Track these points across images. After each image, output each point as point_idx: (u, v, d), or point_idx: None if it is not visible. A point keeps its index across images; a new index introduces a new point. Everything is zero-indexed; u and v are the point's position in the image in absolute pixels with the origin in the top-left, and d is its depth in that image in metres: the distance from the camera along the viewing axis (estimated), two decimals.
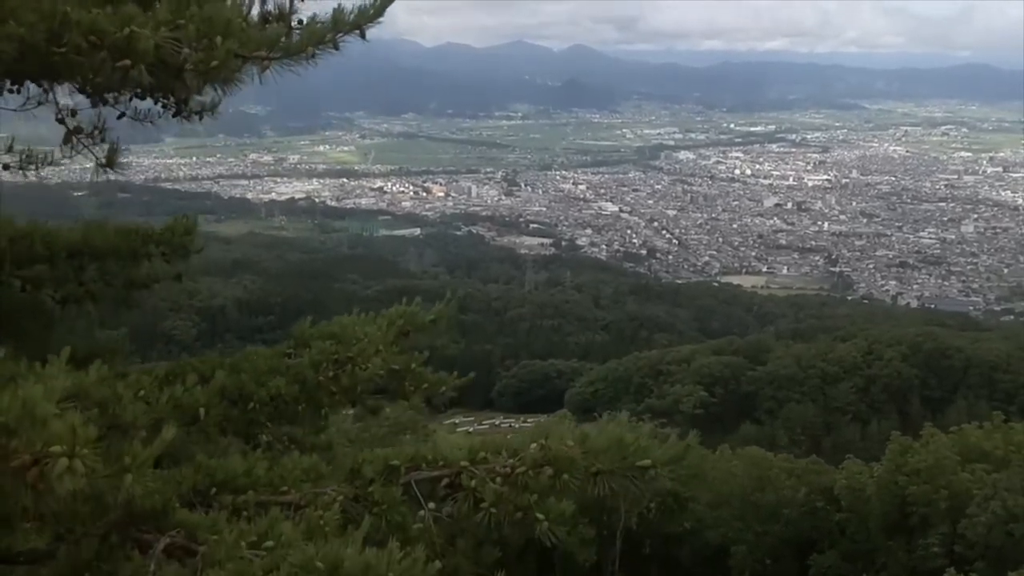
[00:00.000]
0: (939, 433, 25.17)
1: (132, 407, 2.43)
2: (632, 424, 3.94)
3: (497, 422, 69.63)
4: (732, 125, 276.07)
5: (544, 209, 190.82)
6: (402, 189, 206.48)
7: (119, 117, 4.68)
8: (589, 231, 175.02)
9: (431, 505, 3.78)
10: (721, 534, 26.99)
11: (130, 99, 4.82)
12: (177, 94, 4.61)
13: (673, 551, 27.54)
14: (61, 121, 5.03)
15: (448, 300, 5.15)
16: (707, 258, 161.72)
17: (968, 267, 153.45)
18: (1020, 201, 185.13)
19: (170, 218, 5.62)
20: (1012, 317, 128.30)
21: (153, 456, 2.61)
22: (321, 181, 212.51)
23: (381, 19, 4.10)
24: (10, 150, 5.07)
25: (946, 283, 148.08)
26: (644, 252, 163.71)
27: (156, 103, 4.68)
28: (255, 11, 4.11)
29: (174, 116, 4.83)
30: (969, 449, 24.72)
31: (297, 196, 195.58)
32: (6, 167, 5.02)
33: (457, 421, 67.01)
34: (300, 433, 4.34)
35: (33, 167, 5.03)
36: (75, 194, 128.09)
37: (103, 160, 5.03)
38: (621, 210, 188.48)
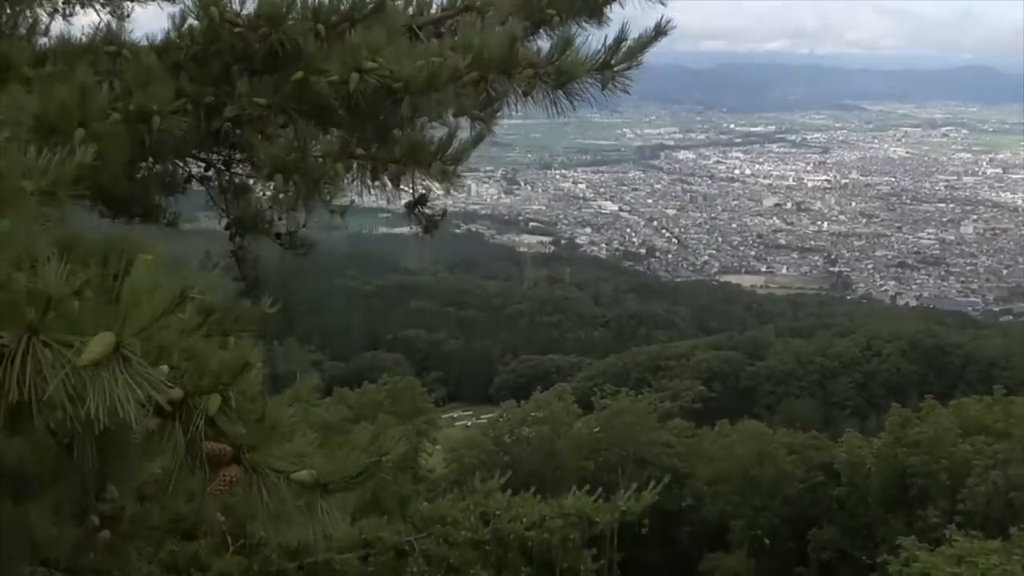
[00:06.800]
0: (939, 406, 25.08)
1: None
2: None
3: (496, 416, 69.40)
4: (732, 125, 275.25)
5: (544, 208, 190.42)
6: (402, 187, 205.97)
7: None
8: (588, 230, 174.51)
9: None
10: (720, 509, 26.91)
11: None
12: None
13: (672, 527, 27.45)
14: None
15: None
16: (706, 257, 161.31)
17: (967, 268, 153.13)
18: (1020, 202, 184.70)
19: None
20: (1011, 317, 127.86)
21: None
22: None
23: None
24: None
25: (945, 283, 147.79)
26: (643, 251, 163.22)
27: None
28: None
29: None
30: (969, 422, 24.61)
31: None
32: None
33: (456, 415, 66.98)
34: None
35: None
36: None
37: None
38: (621, 209, 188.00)
